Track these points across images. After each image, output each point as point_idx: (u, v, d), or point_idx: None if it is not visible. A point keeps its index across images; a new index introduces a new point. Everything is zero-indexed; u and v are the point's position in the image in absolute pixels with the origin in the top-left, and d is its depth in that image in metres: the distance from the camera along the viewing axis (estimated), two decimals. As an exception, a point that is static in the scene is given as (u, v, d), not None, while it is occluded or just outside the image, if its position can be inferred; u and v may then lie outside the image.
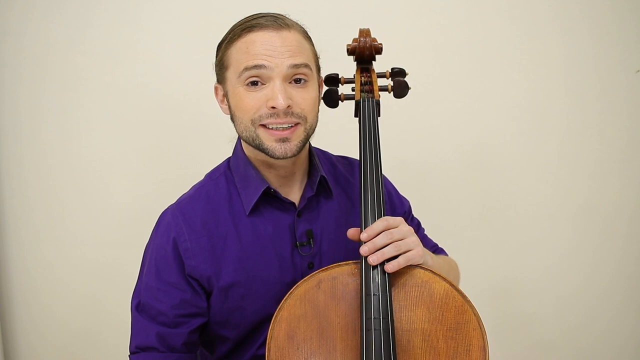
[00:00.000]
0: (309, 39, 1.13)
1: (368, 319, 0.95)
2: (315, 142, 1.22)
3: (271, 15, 1.08)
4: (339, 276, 1.02)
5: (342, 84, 1.26)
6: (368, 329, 0.95)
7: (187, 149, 1.94)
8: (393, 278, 1.00)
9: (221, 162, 1.24)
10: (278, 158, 1.08)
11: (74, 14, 1.88)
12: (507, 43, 1.92)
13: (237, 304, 1.13)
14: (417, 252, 1.01)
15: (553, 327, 2.07)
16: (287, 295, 1.01)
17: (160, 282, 1.12)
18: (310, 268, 1.16)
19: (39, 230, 1.99)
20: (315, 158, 1.20)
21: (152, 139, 1.94)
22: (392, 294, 0.99)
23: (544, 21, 1.91)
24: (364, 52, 1.23)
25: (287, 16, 1.11)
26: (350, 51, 1.24)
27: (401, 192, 1.36)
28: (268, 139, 1.07)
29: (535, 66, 1.93)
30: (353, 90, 1.22)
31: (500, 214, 2.01)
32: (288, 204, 1.16)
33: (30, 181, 1.97)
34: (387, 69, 1.26)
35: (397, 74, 1.25)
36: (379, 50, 1.24)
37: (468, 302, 0.99)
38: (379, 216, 1.04)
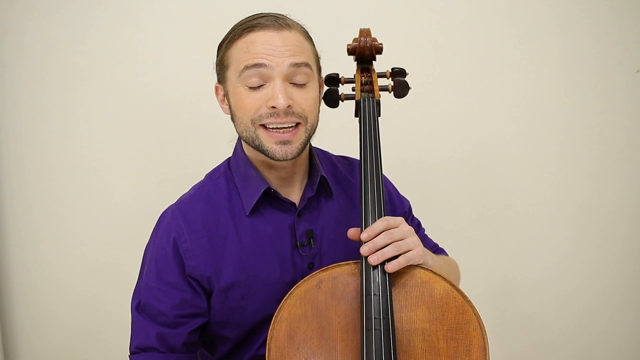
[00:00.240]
0: (310, 39, 1.12)
1: (368, 319, 0.95)
2: (316, 142, 1.22)
3: (272, 15, 1.08)
4: (339, 276, 1.01)
5: (342, 84, 1.25)
6: (368, 329, 0.95)
7: (187, 149, 1.94)
8: (393, 278, 1.00)
9: (221, 162, 1.24)
10: (278, 160, 1.08)
11: (74, 14, 1.88)
12: (507, 43, 1.92)
13: (237, 304, 1.13)
14: (418, 252, 1.01)
15: (553, 327, 2.07)
16: (288, 295, 1.01)
17: (160, 282, 1.12)
18: (311, 268, 1.16)
19: (39, 230, 1.99)
20: (316, 158, 1.20)
21: (152, 139, 1.94)
22: (393, 294, 0.99)
23: (544, 21, 1.91)
24: (365, 52, 1.23)
25: (288, 16, 1.11)
26: (351, 51, 1.24)
27: (401, 192, 1.36)
28: (268, 141, 1.07)
29: (535, 66, 1.93)
30: (353, 90, 1.22)
31: (500, 214, 2.01)
32: (288, 204, 1.16)
33: (30, 181, 1.97)
34: (387, 68, 1.26)
35: (398, 74, 1.25)
36: (379, 50, 1.24)
37: (468, 302, 0.99)
38: (380, 216, 1.04)
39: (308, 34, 1.13)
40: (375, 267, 0.99)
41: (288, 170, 1.16)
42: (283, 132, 1.06)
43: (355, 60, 1.27)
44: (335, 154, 1.32)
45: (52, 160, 1.95)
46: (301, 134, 1.08)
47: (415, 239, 1.02)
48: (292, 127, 1.07)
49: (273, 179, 1.16)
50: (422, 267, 1.02)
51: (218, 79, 1.15)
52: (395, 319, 0.98)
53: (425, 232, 1.38)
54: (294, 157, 1.09)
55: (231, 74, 1.09)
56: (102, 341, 2.02)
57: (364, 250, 1.00)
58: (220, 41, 1.14)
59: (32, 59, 1.90)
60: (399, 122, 1.80)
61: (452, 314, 0.98)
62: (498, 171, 1.99)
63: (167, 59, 1.90)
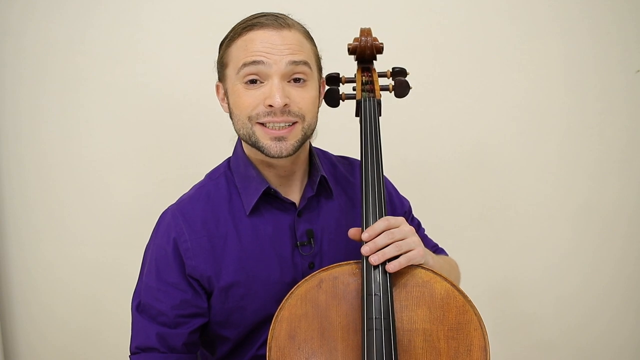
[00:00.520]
0: (310, 39, 1.12)
1: (369, 318, 0.95)
2: (316, 142, 1.22)
3: (272, 15, 1.08)
4: (340, 276, 1.01)
5: (343, 84, 1.26)
6: (369, 329, 0.95)
7: (187, 149, 1.94)
8: (394, 278, 1.00)
9: (221, 162, 1.24)
10: (273, 157, 1.08)
11: (74, 14, 1.88)
12: (507, 43, 1.92)
13: (238, 304, 1.13)
14: (418, 252, 1.01)
15: (553, 327, 2.07)
16: (288, 295, 1.01)
17: (160, 283, 1.12)
18: (311, 268, 1.16)
19: (39, 230, 1.98)
20: (316, 158, 1.20)
21: (152, 139, 1.94)
22: (393, 293, 0.99)
23: (544, 21, 1.91)
24: (365, 52, 1.23)
25: (290, 16, 1.11)
26: (351, 50, 1.24)
27: (401, 192, 1.36)
28: (264, 137, 1.07)
29: (535, 66, 1.93)
30: (354, 89, 1.22)
31: (500, 214, 2.01)
32: (288, 204, 1.16)
33: (30, 181, 1.96)
34: (388, 68, 1.26)
35: (398, 74, 1.25)
36: (380, 50, 1.24)
37: (469, 302, 0.99)
38: (380, 216, 1.04)
39: (309, 34, 1.13)
40: (376, 267, 0.99)
41: (287, 169, 1.16)
42: (279, 129, 1.06)
43: (356, 60, 1.27)
44: (336, 154, 1.32)
45: (52, 160, 1.95)
46: (297, 132, 1.08)
47: (416, 238, 1.02)
48: (288, 125, 1.07)
49: (273, 179, 1.16)
50: (423, 267, 1.02)
51: (219, 78, 1.15)
52: (396, 319, 0.98)
53: (425, 232, 1.38)
54: (289, 155, 1.08)
55: (230, 72, 1.09)
56: (102, 341, 2.01)
57: (364, 250, 1.00)
58: (221, 40, 1.14)
59: (32, 59, 1.90)
60: (400, 122, 1.80)
61: (453, 314, 0.98)
62: (498, 171, 1.99)
63: (167, 59, 1.90)
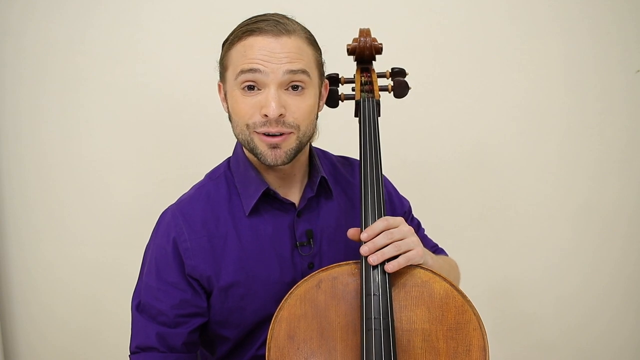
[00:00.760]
0: (312, 44, 1.11)
1: (368, 319, 0.95)
2: (315, 142, 1.22)
3: (273, 20, 1.06)
4: (339, 276, 1.01)
5: (342, 84, 1.26)
6: (368, 329, 0.95)
7: (187, 149, 1.94)
8: (393, 278, 1.00)
9: (221, 162, 1.24)
10: (269, 165, 1.08)
11: (74, 14, 1.88)
12: (507, 43, 1.92)
13: (237, 304, 1.13)
14: (417, 252, 1.01)
15: (553, 327, 2.07)
16: (288, 295, 1.01)
17: (160, 282, 1.12)
18: (311, 268, 1.16)
19: (39, 230, 1.99)
20: (316, 158, 1.20)
21: (152, 139, 1.94)
22: (392, 293, 0.99)
23: (544, 21, 1.91)
24: (364, 52, 1.23)
25: (293, 18, 1.10)
26: (351, 51, 1.24)
27: (401, 192, 1.36)
28: (261, 144, 1.07)
29: (535, 66, 1.93)
30: (353, 90, 1.22)
31: (500, 214, 2.01)
32: (288, 205, 1.16)
33: (30, 181, 1.97)
34: (387, 68, 1.26)
35: (397, 74, 1.25)
36: (379, 50, 1.24)
37: (468, 302, 0.99)
38: (379, 216, 1.04)
39: (311, 39, 1.11)
40: (375, 267, 0.99)
41: (287, 171, 1.16)
42: (273, 137, 1.06)
43: (355, 60, 1.27)
44: (336, 154, 1.32)
45: (52, 160, 1.95)
46: (291, 141, 1.08)
47: (415, 238, 1.02)
48: (282, 133, 1.07)
49: (272, 180, 1.16)
50: (422, 267, 1.02)
51: (220, 78, 1.15)
52: (395, 319, 0.98)
53: (425, 232, 1.38)
54: (284, 163, 1.08)
55: (229, 76, 1.09)
56: (102, 341, 2.02)
57: (363, 250, 1.00)
58: (224, 40, 1.13)
59: (32, 59, 1.90)
60: (399, 122, 1.80)
61: (452, 314, 0.98)
62: (498, 171, 1.99)
63: (167, 59, 1.90)
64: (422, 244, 1.04)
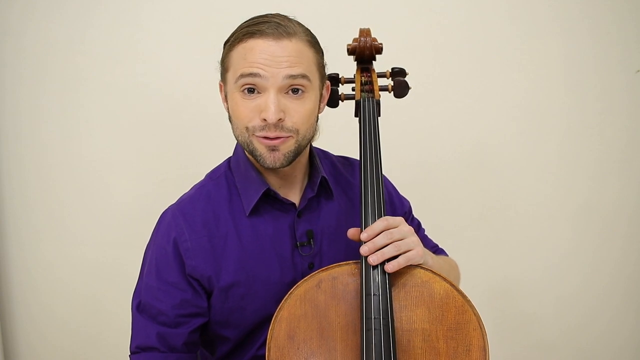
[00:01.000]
0: (314, 47, 1.10)
1: (368, 319, 0.95)
2: (315, 142, 1.22)
3: (275, 22, 1.05)
4: (339, 276, 1.02)
5: (342, 84, 1.25)
6: (368, 329, 0.95)
7: (187, 149, 1.94)
8: (393, 278, 1.00)
9: (221, 162, 1.24)
10: (268, 167, 1.08)
11: (74, 14, 1.88)
12: (507, 43, 1.92)
13: (237, 304, 1.13)
14: (417, 252, 1.01)
15: (553, 327, 2.07)
16: (287, 295, 1.01)
17: (160, 282, 1.12)
18: (311, 268, 1.16)
19: (39, 230, 1.99)
20: (316, 159, 1.20)
21: (152, 139, 1.94)
22: (392, 293, 0.99)
23: (544, 21, 1.91)
24: (364, 52, 1.23)
25: (294, 18, 1.09)
26: (351, 51, 1.24)
27: (401, 192, 1.36)
28: (260, 147, 1.07)
29: (535, 66, 1.93)
30: (353, 90, 1.22)
31: (500, 214, 2.01)
32: (288, 205, 1.16)
33: (30, 181, 1.97)
34: (387, 68, 1.26)
35: (398, 74, 1.25)
36: (379, 50, 1.24)
37: (468, 302, 0.99)
38: (379, 216, 1.04)
39: (313, 41, 1.10)
40: (375, 267, 0.99)
41: (287, 172, 1.16)
42: (272, 139, 1.06)
43: (355, 60, 1.27)
44: (336, 154, 1.32)
45: (52, 160, 1.95)
46: (290, 144, 1.07)
47: (415, 238, 1.02)
48: (281, 137, 1.06)
49: (273, 180, 1.16)
50: (422, 267, 1.02)
51: (221, 78, 1.15)
52: (395, 319, 0.98)
53: (425, 233, 1.38)
54: (282, 166, 1.08)
55: (230, 78, 1.09)
56: (102, 341, 2.02)
57: (363, 250, 1.00)
58: (224, 40, 1.13)
59: (32, 59, 1.90)
60: (399, 122, 1.80)
61: (452, 314, 0.98)
62: (498, 171, 1.99)
63: (167, 59, 1.90)
64: (422, 244, 1.04)
